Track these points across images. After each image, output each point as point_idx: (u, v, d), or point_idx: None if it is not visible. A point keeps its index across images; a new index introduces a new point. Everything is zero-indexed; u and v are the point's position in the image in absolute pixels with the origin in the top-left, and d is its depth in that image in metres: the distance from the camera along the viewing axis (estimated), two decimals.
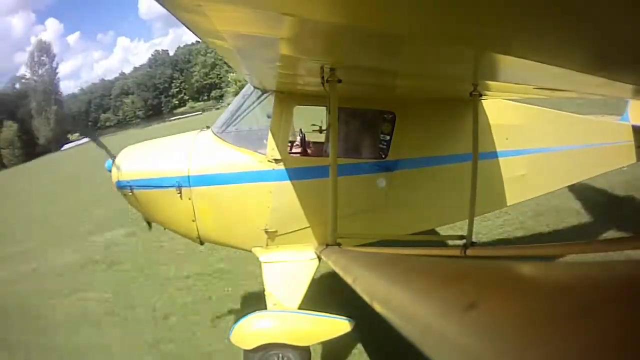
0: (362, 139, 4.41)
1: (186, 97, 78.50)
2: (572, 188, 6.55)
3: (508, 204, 4.67)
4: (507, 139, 4.40)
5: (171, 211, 4.09)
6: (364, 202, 4.03)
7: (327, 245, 3.45)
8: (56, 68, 74.78)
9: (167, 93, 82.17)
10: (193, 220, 4.03)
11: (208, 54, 77.70)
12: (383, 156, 4.10)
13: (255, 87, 4.22)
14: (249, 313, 3.80)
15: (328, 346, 3.85)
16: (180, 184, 3.92)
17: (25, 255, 10.81)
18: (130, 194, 4.15)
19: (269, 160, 3.88)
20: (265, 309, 3.81)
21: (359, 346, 4.52)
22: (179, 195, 3.94)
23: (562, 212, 7.85)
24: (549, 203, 7.89)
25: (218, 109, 57.18)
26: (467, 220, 4.02)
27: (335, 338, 3.68)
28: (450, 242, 4.72)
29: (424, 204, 4.28)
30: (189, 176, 3.92)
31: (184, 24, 2.10)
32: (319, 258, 3.80)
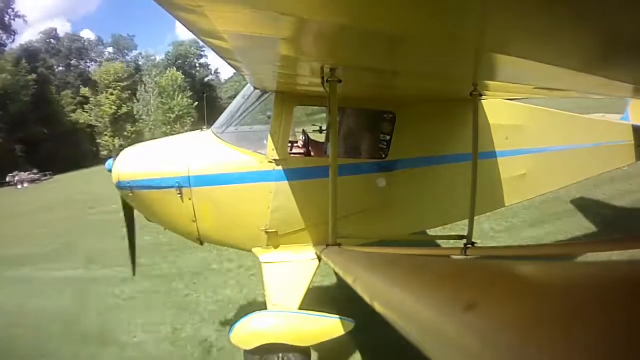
0: (362, 139, 4.41)
1: None
2: (572, 187, 6.55)
3: (508, 204, 4.67)
4: (506, 138, 4.40)
5: (171, 211, 4.09)
6: (364, 202, 4.03)
7: (327, 245, 3.45)
8: None
9: None
10: (193, 221, 4.02)
11: None
12: (383, 156, 4.10)
13: (255, 87, 4.22)
14: (249, 313, 3.80)
15: (328, 346, 3.84)
16: (180, 184, 3.92)
17: None
18: (131, 194, 4.15)
19: (269, 161, 3.88)
20: (265, 309, 3.80)
21: (359, 346, 4.52)
22: (179, 195, 3.94)
23: (561, 211, 7.86)
24: (548, 203, 7.90)
25: None
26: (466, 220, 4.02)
27: (335, 338, 3.68)
28: (450, 242, 4.72)
29: (424, 204, 4.27)
30: (189, 176, 3.92)
31: (183, 24, 2.10)
32: (319, 258, 3.79)
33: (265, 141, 3.95)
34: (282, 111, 3.93)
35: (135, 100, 49.31)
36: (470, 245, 3.87)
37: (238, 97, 4.70)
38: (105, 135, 47.17)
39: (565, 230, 7.02)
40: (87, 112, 49.12)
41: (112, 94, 48.10)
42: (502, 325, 0.49)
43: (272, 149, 3.87)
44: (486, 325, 0.52)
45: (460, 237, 4.09)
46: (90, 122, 48.25)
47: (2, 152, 40.58)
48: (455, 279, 0.77)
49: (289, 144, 4.40)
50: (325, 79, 3.01)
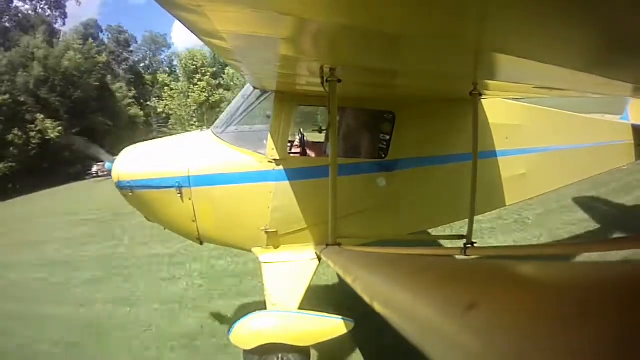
0: (362, 139, 4.41)
1: None
2: (572, 188, 6.55)
3: (508, 204, 4.67)
4: (507, 138, 4.40)
5: (171, 211, 4.09)
6: (364, 202, 4.03)
7: (327, 245, 3.45)
8: None
9: None
10: (193, 221, 4.02)
11: None
12: (383, 156, 4.10)
13: (255, 87, 4.22)
14: (248, 313, 3.80)
15: (328, 346, 3.84)
16: (180, 184, 3.92)
17: None
18: (131, 194, 4.15)
19: (269, 161, 3.88)
20: (265, 309, 3.80)
21: (359, 346, 4.52)
22: (180, 195, 3.94)
23: (561, 211, 7.87)
24: (548, 203, 7.90)
25: None
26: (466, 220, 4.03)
27: (335, 338, 3.68)
28: (450, 242, 4.72)
29: (424, 204, 4.27)
30: (189, 176, 3.92)
31: (184, 24, 2.10)
32: (319, 258, 3.79)
33: (265, 141, 3.95)
34: (282, 111, 3.93)
35: (226, 89, 45.57)
36: (470, 245, 3.87)
37: (238, 97, 4.70)
38: (192, 125, 42.95)
39: (565, 230, 7.02)
40: (164, 100, 44.34)
41: (201, 80, 43.91)
42: (503, 326, 0.49)
43: (272, 149, 3.87)
44: (486, 326, 0.52)
45: (460, 237, 4.09)
46: (173, 111, 43.12)
47: (63, 144, 34.50)
48: (455, 279, 0.77)
49: (289, 144, 4.41)
50: (325, 79, 3.01)
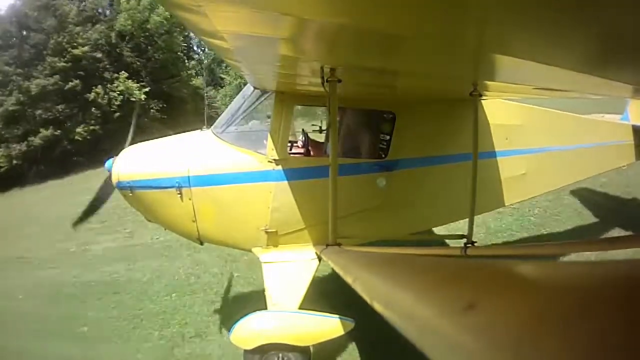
0: (362, 139, 4.41)
1: None
2: (572, 187, 6.54)
3: (508, 204, 4.67)
4: (507, 138, 4.40)
5: (171, 212, 4.09)
6: (364, 202, 4.03)
7: (327, 245, 3.45)
8: None
9: None
10: (193, 221, 4.02)
11: None
12: (383, 156, 4.10)
13: (255, 87, 4.22)
14: (249, 313, 3.80)
15: (328, 346, 3.84)
16: (180, 185, 3.92)
17: None
18: (131, 194, 4.14)
19: (269, 161, 3.88)
20: (265, 309, 3.80)
21: (359, 346, 4.52)
22: (179, 195, 3.94)
23: (561, 211, 7.86)
24: (548, 203, 7.89)
25: None
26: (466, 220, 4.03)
27: (335, 338, 3.68)
28: (450, 242, 4.72)
29: (424, 204, 4.27)
30: (189, 176, 3.92)
31: (184, 24, 2.10)
32: (319, 258, 3.79)
33: (265, 141, 3.95)
34: (282, 111, 3.93)
35: None
36: (470, 245, 3.87)
37: (238, 97, 4.70)
38: None
39: (565, 229, 7.02)
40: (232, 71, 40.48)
41: None
42: (502, 326, 0.49)
43: (272, 149, 3.87)
44: (486, 325, 0.52)
45: (460, 236, 4.09)
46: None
47: (147, 108, 29.99)
48: (455, 279, 0.77)
49: (289, 144, 4.41)
50: (325, 79, 3.01)
